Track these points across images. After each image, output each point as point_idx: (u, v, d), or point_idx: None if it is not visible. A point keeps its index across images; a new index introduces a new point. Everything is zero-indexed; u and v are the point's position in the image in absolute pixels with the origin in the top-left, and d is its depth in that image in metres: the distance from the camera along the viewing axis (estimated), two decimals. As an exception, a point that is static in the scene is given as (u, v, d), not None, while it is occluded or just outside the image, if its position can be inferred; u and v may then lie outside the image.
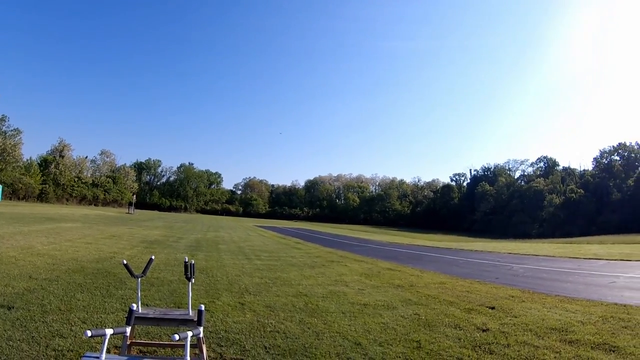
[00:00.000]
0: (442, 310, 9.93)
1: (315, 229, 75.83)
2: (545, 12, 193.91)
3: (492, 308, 10.16)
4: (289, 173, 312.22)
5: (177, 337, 3.33)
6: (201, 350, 4.76)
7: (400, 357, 6.49)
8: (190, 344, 4.14)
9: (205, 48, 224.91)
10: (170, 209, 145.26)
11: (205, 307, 4.93)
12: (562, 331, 8.06)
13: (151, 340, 6.47)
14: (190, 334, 3.49)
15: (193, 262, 5.44)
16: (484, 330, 8.05)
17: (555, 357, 6.65)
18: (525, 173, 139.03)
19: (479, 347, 7.07)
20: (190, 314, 5.21)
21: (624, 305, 10.56)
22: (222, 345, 6.51)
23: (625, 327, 8.37)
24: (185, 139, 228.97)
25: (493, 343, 7.26)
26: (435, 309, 10.06)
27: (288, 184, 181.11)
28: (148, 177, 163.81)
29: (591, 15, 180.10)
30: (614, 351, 6.96)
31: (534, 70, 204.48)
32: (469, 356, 6.61)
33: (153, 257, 6.53)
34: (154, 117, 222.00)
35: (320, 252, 26.05)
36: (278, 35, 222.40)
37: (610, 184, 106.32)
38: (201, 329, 4.31)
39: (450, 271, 18.52)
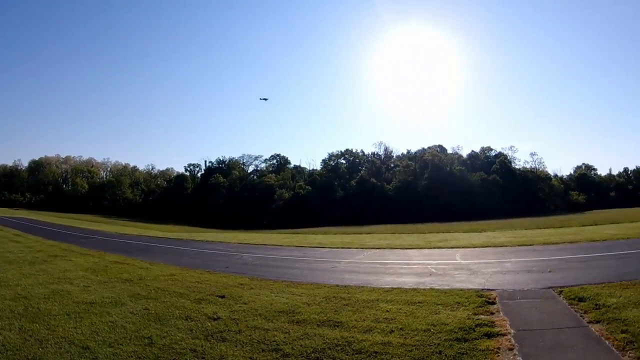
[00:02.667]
0: (173, 302, 9.81)
1: (38, 218, 67.07)
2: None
3: (222, 297, 10.39)
4: (11, 150, 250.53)
5: None
6: None
7: (132, 356, 6.21)
8: None
9: None
10: None
11: None
12: (290, 313, 8.55)
13: None
14: None
15: None
16: (215, 319, 8.14)
17: (285, 337, 6.97)
18: (259, 168, 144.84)
19: (212, 335, 7.07)
20: None
21: (345, 286, 11.77)
22: None
23: (347, 305, 9.33)
24: None
25: (225, 330, 7.33)
26: (166, 301, 9.89)
27: (9, 163, 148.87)
28: None
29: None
30: (337, 326, 7.66)
31: (264, 75, 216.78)
32: (202, 346, 6.52)
33: None
34: None
35: (42, 245, 23.71)
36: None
37: (336, 183, 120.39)
38: None
39: (181, 262, 18.42)
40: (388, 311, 8.75)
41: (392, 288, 11.36)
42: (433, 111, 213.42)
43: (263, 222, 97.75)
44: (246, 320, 8.00)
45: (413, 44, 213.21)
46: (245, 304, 9.52)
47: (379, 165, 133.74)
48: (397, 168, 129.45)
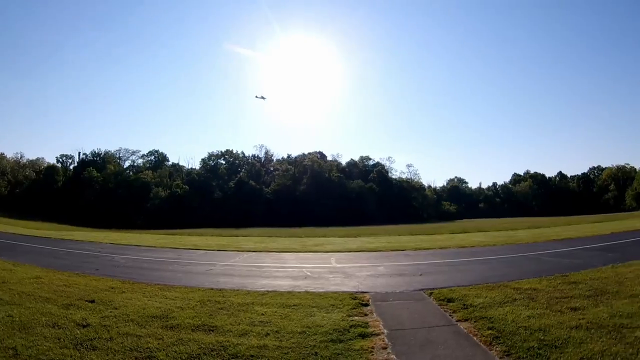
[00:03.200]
0: (39, 308, 9.05)
1: None
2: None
3: (92, 301, 9.81)
4: None
5: None
6: None
7: (-6, 370, 5.51)
8: None
9: None
10: None
11: None
12: (163, 318, 8.26)
13: None
14: None
15: None
16: (84, 326, 7.64)
17: (158, 344, 6.70)
18: (135, 164, 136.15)
19: (81, 344, 6.63)
20: None
21: (220, 290, 11.62)
22: None
23: (222, 309, 9.16)
24: None
25: (95, 338, 6.90)
26: (31, 307, 9.10)
27: None
28: None
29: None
30: (212, 330, 7.50)
31: (150, 64, 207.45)
32: (71, 356, 6.14)
33: None
34: None
35: None
36: None
37: (214, 184, 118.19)
38: None
39: (48, 263, 17.19)
40: (263, 314, 8.73)
41: (267, 291, 11.40)
42: (316, 118, 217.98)
43: (137, 222, 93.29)
44: (118, 327, 7.56)
45: (299, 51, 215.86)
46: (116, 309, 9.02)
47: (259, 168, 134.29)
48: (277, 172, 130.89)
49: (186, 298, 10.34)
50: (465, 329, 7.70)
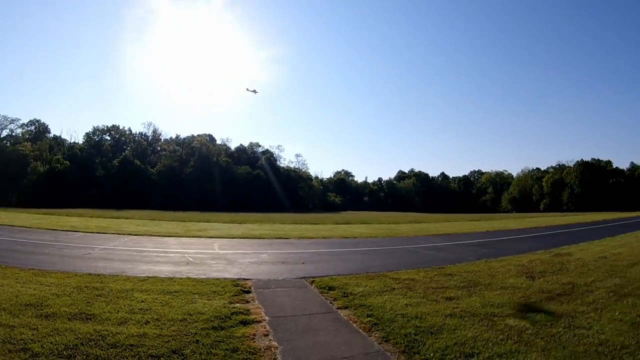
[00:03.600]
0: None
1: None
2: None
3: None
4: None
5: None
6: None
7: None
8: None
9: None
10: None
11: None
12: (38, 306, 7.70)
13: None
14: None
15: None
16: None
17: (33, 335, 6.24)
18: (14, 134, 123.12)
19: None
20: None
21: (98, 275, 11.04)
22: None
23: (100, 295, 8.71)
24: None
25: None
26: None
27: None
28: None
29: None
30: (90, 319, 7.10)
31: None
32: None
33: None
34: None
35: None
36: None
37: (97, 161, 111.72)
38: None
39: None
40: (143, 301, 8.40)
41: (148, 277, 10.99)
42: (207, 100, 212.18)
43: (12, 200, 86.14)
44: (-8, 317, 6.94)
45: (197, 29, 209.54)
46: (-14, 297, 8.26)
47: (146, 146, 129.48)
48: (164, 152, 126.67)
49: (62, 284, 9.66)
50: (346, 316, 7.92)
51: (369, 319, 7.63)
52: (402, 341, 6.52)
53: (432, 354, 6.04)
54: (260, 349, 6.15)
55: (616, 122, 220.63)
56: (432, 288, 10.26)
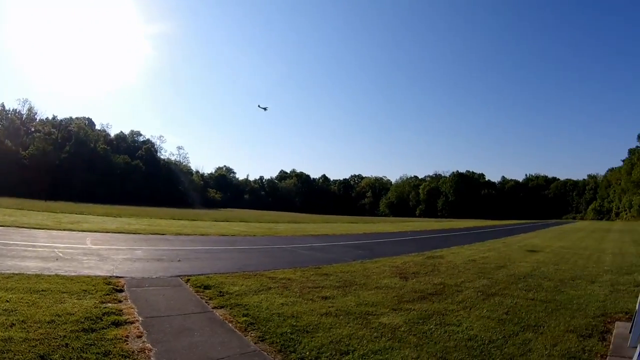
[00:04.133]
0: None
1: None
2: None
3: None
4: None
5: None
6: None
7: None
8: None
9: None
10: None
11: None
12: None
13: None
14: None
15: None
16: None
17: None
18: None
19: None
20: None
21: None
22: None
23: None
24: None
25: None
26: None
27: None
28: None
29: None
30: None
31: None
32: None
33: None
34: None
35: None
36: None
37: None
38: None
39: None
40: (8, 301, 7.61)
41: (13, 274, 9.91)
42: (87, 81, 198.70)
43: None
44: None
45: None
46: None
47: (19, 126, 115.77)
48: (38, 134, 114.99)
49: None
50: (221, 315, 7.76)
51: (245, 318, 7.52)
52: (278, 340, 6.49)
53: (308, 353, 6.07)
54: (133, 352, 5.85)
55: (490, 138, 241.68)
56: (308, 287, 10.38)
